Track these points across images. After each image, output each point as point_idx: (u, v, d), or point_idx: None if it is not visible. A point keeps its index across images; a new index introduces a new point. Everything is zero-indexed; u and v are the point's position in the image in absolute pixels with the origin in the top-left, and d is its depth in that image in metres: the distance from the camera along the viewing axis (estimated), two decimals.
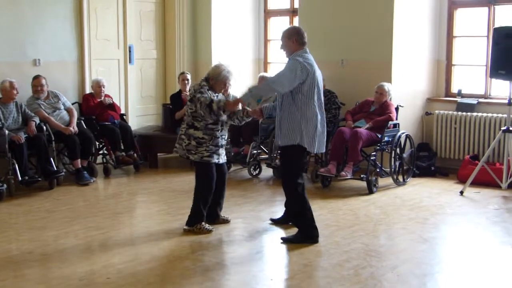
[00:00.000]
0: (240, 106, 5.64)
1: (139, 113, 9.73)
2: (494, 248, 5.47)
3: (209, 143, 5.74)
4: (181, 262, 4.98)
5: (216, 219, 6.04)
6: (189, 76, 9.02)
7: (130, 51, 9.43)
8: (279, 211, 6.73)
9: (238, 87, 6.04)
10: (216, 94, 5.80)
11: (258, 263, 5.02)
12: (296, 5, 9.55)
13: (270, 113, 5.88)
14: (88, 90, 8.66)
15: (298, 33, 5.45)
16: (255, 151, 8.37)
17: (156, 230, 5.88)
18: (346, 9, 8.43)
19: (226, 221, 6.10)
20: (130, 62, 9.46)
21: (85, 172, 7.79)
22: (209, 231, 5.75)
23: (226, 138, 5.96)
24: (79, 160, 7.79)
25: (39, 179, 7.34)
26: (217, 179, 5.90)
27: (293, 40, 5.42)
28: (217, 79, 5.81)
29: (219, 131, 5.78)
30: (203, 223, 5.80)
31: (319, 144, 5.49)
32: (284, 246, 5.39)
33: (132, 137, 8.56)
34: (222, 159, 5.91)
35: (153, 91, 9.97)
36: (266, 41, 10.51)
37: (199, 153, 5.76)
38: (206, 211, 5.85)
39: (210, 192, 5.85)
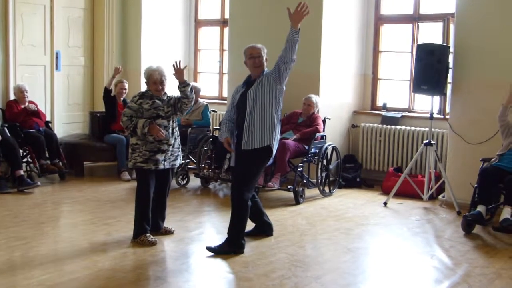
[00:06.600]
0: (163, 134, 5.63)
1: (66, 120, 9.55)
2: (415, 258, 5.62)
3: (142, 148, 5.64)
4: (104, 273, 4.90)
5: (158, 230, 5.91)
6: (126, 85, 8.91)
7: (57, 58, 9.25)
8: (206, 221, 6.74)
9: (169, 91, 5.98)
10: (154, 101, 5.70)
11: (183, 274, 4.98)
12: (227, 16, 9.60)
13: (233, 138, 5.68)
14: (12, 96, 8.43)
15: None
16: (183, 161, 8.32)
17: (80, 240, 5.76)
18: (275, 21, 8.51)
19: (169, 232, 5.97)
20: (57, 68, 9.27)
21: (28, 180, 7.70)
22: (153, 243, 5.59)
23: (170, 144, 5.74)
24: None
25: None
26: (157, 188, 5.78)
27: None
28: (148, 82, 5.78)
29: (153, 136, 5.63)
30: (146, 234, 5.66)
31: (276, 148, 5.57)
32: (210, 257, 5.37)
33: (57, 144, 8.40)
34: (164, 165, 5.71)
35: (80, 98, 9.80)
36: (196, 50, 10.52)
37: (133, 159, 5.70)
38: (147, 221, 5.71)
39: (146, 200, 5.69)
